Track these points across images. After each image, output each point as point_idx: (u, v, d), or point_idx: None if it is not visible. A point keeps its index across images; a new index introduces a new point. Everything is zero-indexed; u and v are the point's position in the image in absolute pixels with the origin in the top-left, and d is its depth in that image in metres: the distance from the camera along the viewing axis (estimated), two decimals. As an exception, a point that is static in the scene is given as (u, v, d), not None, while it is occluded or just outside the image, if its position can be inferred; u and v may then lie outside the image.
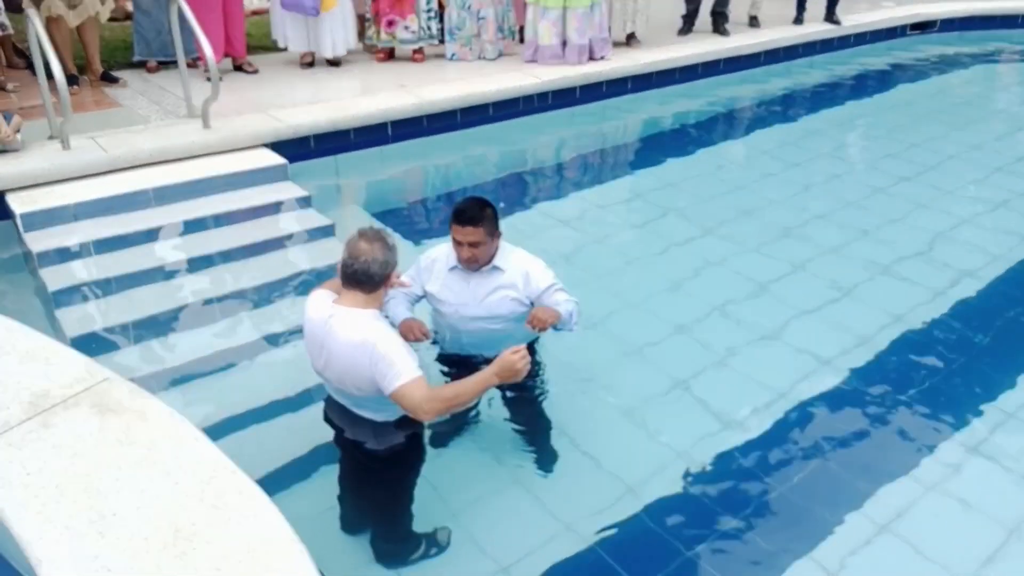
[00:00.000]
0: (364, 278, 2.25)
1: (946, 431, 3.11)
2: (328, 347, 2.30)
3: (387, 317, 2.71)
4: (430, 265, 2.86)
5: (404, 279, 2.71)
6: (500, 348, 2.72)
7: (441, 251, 2.86)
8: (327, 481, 2.69)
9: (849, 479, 2.88)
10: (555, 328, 2.70)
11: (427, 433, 2.75)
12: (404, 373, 2.19)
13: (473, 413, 3.01)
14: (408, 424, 2.43)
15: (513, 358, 2.27)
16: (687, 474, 2.88)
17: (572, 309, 2.73)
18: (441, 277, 2.82)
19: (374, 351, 2.21)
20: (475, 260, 2.70)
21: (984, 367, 3.51)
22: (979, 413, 3.21)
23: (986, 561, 2.54)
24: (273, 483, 2.61)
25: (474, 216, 2.63)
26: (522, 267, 2.77)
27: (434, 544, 2.56)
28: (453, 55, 6.83)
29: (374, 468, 2.50)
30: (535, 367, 2.93)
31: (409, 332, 2.68)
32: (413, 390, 2.19)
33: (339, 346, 2.27)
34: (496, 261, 2.75)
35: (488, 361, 2.69)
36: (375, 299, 2.32)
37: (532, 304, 2.76)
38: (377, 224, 4.69)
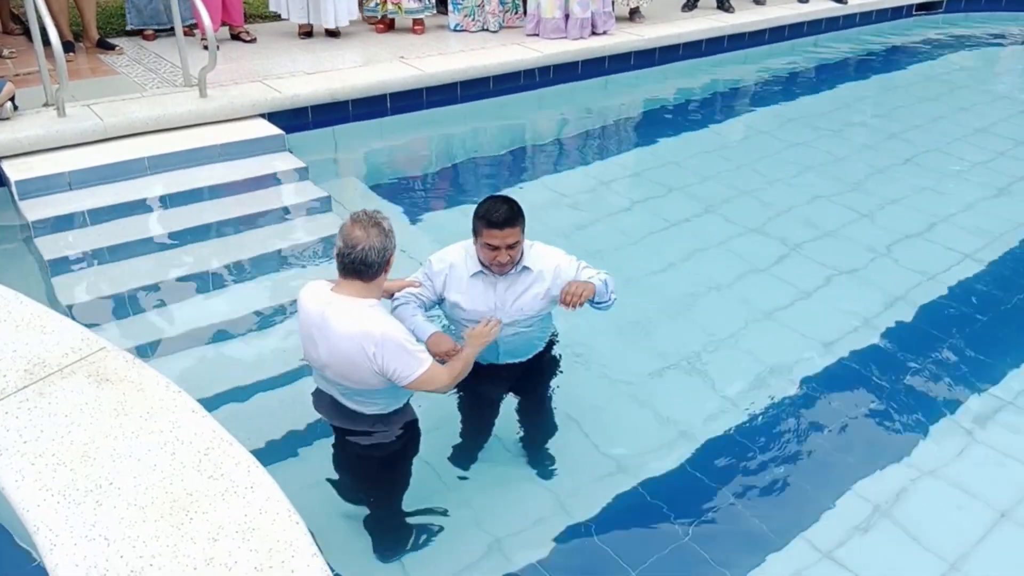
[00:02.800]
0: (362, 267, 2.18)
1: (944, 414, 3.12)
2: (327, 338, 2.22)
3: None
4: (445, 270, 2.55)
5: (412, 278, 2.57)
6: (531, 350, 2.71)
7: (456, 255, 2.56)
8: (323, 453, 2.68)
9: (846, 460, 2.89)
10: (593, 304, 2.52)
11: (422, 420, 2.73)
12: (422, 361, 2.20)
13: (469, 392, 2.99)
14: (400, 416, 2.42)
15: (482, 328, 2.43)
16: (684, 453, 2.89)
17: (606, 279, 2.55)
18: (463, 285, 2.53)
19: (382, 343, 2.15)
20: (512, 262, 2.48)
21: (982, 351, 3.51)
22: (977, 397, 3.22)
23: (977, 544, 2.56)
24: (269, 455, 2.62)
25: (510, 217, 2.39)
26: (550, 262, 2.56)
27: (426, 529, 2.57)
28: (456, 26, 6.74)
29: (367, 458, 2.47)
30: (552, 361, 2.86)
31: (437, 347, 2.40)
32: (435, 375, 2.24)
33: (337, 338, 2.19)
34: (524, 261, 2.55)
35: (511, 366, 2.69)
36: (375, 287, 2.25)
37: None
38: (375, 198, 4.69)
